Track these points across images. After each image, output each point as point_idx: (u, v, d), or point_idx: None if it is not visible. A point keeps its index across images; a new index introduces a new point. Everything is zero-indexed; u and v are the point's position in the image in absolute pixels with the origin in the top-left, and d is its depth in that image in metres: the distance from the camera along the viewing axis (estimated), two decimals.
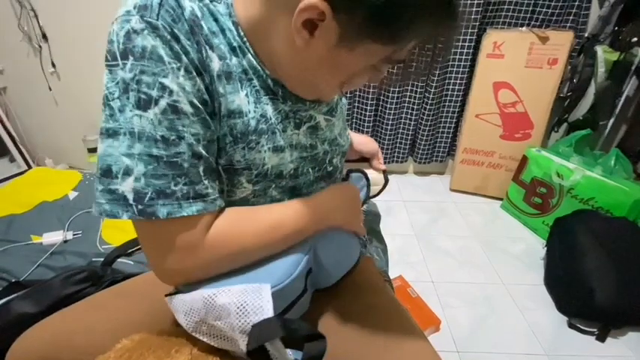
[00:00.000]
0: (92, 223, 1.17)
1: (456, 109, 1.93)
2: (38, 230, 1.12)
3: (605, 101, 1.62)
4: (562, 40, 1.61)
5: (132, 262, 1.00)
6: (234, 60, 0.42)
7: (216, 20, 0.41)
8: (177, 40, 0.37)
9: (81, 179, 1.43)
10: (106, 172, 0.37)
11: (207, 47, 0.40)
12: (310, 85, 0.46)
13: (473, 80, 1.80)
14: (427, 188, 2.08)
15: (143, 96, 0.36)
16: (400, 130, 2.03)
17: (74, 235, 1.12)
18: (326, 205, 0.51)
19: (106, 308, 0.57)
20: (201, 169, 0.40)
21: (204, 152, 0.40)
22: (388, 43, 0.38)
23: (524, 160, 1.72)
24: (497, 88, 1.76)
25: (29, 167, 1.98)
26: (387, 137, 2.02)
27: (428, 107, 1.89)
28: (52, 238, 1.09)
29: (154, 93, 0.37)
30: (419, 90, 1.86)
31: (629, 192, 1.37)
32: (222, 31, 0.42)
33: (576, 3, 1.61)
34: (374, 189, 0.72)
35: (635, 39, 1.49)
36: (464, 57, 1.77)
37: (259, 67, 0.44)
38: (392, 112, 1.93)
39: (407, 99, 1.92)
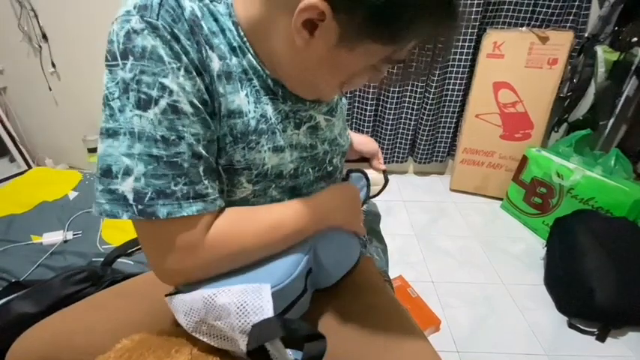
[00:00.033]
0: (92, 223, 1.17)
1: (456, 109, 1.93)
2: (38, 230, 1.12)
3: (605, 101, 1.62)
4: (562, 40, 1.61)
5: (132, 262, 1.00)
6: (234, 60, 0.42)
7: (216, 20, 0.41)
8: (177, 40, 0.37)
9: (81, 179, 1.43)
10: (106, 172, 0.38)
11: (207, 47, 0.40)
12: (310, 85, 0.46)
13: (473, 80, 1.80)
14: (427, 188, 2.08)
15: (143, 96, 0.36)
16: (400, 130, 2.03)
17: (74, 235, 1.12)
18: (326, 205, 0.51)
19: (106, 308, 0.57)
20: (201, 169, 0.40)
21: (204, 152, 0.40)
22: (388, 43, 0.38)
23: (524, 160, 1.72)
24: (497, 88, 1.76)
25: (29, 167, 1.98)
26: (387, 137, 2.02)
27: (428, 107, 1.89)
28: (52, 238, 1.09)
29: (154, 93, 0.37)
30: (419, 90, 1.86)
31: (629, 192, 1.37)
32: (222, 31, 0.42)
33: (576, 3, 1.61)
34: (374, 189, 0.72)
35: (635, 39, 1.49)
36: (464, 57, 1.77)
37: (259, 67, 0.44)
38: (392, 112, 1.93)
39: (407, 99, 1.92)
